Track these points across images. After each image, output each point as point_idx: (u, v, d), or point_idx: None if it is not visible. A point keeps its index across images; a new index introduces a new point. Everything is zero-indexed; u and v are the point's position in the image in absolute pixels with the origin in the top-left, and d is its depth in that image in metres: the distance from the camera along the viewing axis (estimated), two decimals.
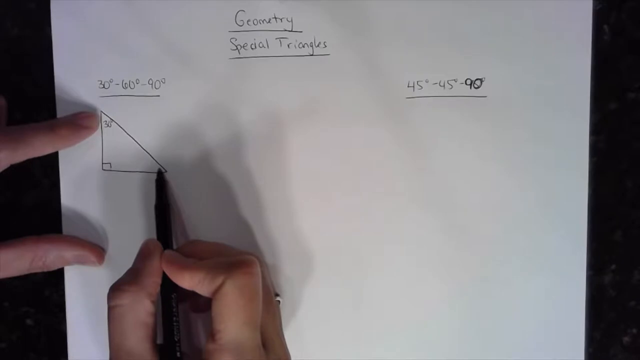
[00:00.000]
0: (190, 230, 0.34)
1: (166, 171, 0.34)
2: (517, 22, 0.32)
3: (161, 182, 0.33)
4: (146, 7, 0.33)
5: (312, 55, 0.33)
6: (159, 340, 0.30)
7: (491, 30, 0.32)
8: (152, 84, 0.34)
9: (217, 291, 0.28)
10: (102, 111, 0.34)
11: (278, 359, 0.29)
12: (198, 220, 0.34)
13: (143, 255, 0.30)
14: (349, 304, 0.34)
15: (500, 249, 0.33)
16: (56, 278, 0.35)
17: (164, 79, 0.34)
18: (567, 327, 0.33)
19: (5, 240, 0.33)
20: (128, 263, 0.30)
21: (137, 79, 0.34)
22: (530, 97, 0.32)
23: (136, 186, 0.34)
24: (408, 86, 0.32)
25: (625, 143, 0.33)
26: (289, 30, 0.33)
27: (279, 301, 0.33)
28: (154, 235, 0.32)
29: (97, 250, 0.34)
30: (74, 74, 0.34)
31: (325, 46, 0.33)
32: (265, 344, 0.29)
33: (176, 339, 0.30)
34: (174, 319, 0.30)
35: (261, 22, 0.33)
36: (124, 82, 0.34)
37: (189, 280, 0.29)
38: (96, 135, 0.34)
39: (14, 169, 0.32)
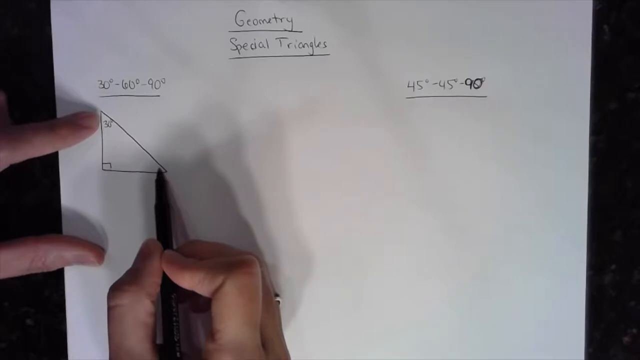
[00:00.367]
0: (190, 230, 0.34)
1: (166, 171, 0.34)
2: (517, 22, 0.32)
3: (161, 182, 0.33)
4: (146, 7, 0.33)
5: (312, 55, 0.33)
6: (159, 340, 0.30)
7: (491, 30, 0.32)
8: (152, 84, 0.34)
9: (216, 291, 0.28)
10: (102, 111, 0.34)
11: (277, 359, 0.29)
12: (198, 220, 0.34)
13: (143, 255, 0.30)
14: (349, 304, 0.34)
15: (500, 249, 0.33)
16: (56, 278, 0.35)
17: (164, 79, 0.34)
18: (567, 327, 0.33)
19: (5, 240, 0.33)
20: (128, 263, 0.30)
21: (137, 79, 0.34)
22: (530, 97, 0.32)
23: (136, 186, 0.34)
24: (408, 86, 0.32)
25: (625, 143, 0.33)
26: (289, 30, 0.33)
27: (278, 301, 0.33)
28: (154, 235, 0.32)
29: (96, 250, 0.34)
30: (74, 74, 0.34)
31: (325, 46, 0.33)
32: (264, 344, 0.29)
33: (176, 339, 0.30)
34: (174, 319, 0.30)
35: (261, 22, 0.33)
36: (124, 82, 0.34)
37: (189, 281, 0.29)
38: (96, 135, 0.34)
39: (14, 168, 0.32)
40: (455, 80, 0.32)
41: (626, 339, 0.33)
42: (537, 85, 0.32)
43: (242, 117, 0.33)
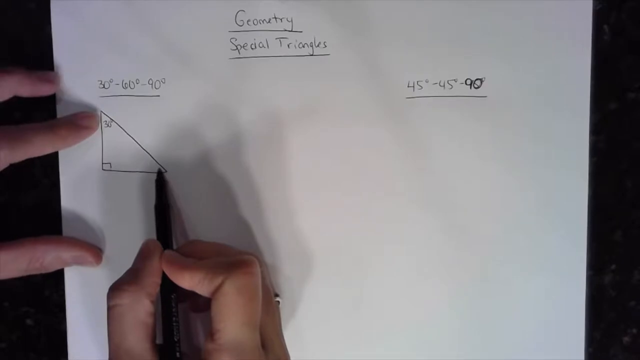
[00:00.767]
0: (190, 230, 0.34)
1: (166, 171, 0.34)
2: (517, 22, 0.32)
3: (161, 182, 0.33)
4: (146, 7, 0.33)
5: (312, 55, 0.33)
6: (159, 340, 0.30)
7: (491, 30, 0.32)
8: (152, 84, 0.34)
9: (216, 291, 0.28)
10: (102, 111, 0.34)
11: (277, 359, 0.29)
12: (198, 220, 0.34)
13: (143, 255, 0.30)
14: (349, 304, 0.34)
15: (500, 249, 0.33)
16: (56, 278, 0.35)
17: (164, 79, 0.34)
18: (567, 327, 0.33)
19: (4, 240, 0.33)
20: (128, 263, 0.30)
21: (137, 79, 0.34)
22: (530, 97, 0.32)
23: (136, 186, 0.34)
24: (408, 86, 0.32)
25: (625, 143, 0.33)
26: (289, 30, 0.33)
27: (278, 301, 0.33)
28: (154, 235, 0.32)
29: (94, 250, 0.34)
30: (74, 74, 0.34)
31: (325, 46, 0.33)
32: (264, 344, 0.29)
33: (176, 339, 0.30)
34: (174, 319, 0.30)
35: (261, 22, 0.33)
36: (124, 82, 0.34)
37: (188, 280, 0.29)
38: (96, 135, 0.34)
39: (14, 168, 0.32)
40: (455, 80, 0.32)
41: (626, 339, 0.33)
42: (537, 85, 0.32)
43: (242, 117, 0.33)
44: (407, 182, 0.33)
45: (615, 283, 0.33)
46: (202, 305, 0.32)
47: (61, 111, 0.34)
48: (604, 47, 0.32)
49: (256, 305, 0.28)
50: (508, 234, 0.33)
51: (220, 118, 0.33)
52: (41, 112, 0.35)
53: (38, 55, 0.34)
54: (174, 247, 0.33)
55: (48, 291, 0.36)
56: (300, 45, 0.33)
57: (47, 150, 0.33)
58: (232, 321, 0.27)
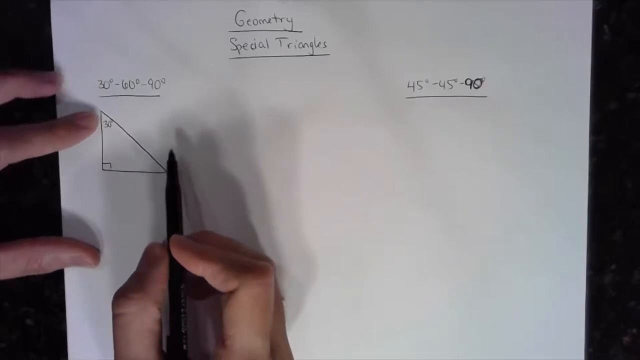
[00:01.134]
0: (190, 231, 0.34)
1: (166, 171, 0.34)
2: (517, 22, 0.32)
3: (172, 164, 0.32)
4: (146, 7, 0.33)
5: (312, 55, 0.33)
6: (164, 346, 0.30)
7: (491, 30, 0.32)
8: (152, 84, 0.34)
9: (230, 296, 0.27)
10: (102, 111, 0.34)
11: None
12: (197, 220, 0.34)
13: (148, 261, 0.29)
14: (349, 304, 0.34)
15: (500, 249, 0.33)
16: (56, 278, 0.35)
17: (164, 79, 0.34)
18: (567, 327, 0.33)
19: (4, 240, 0.33)
20: (128, 263, 0.30)
21: (137, 79, 0.34)
22: (530, 97, 0.32)
23: (136, 186, 0.34)
24: (408, 86, 0.32)
25: (625, 143, 0.33)
26: (289, 30, 0.33)
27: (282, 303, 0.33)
28: (156, 235, 0.32)
29: (92, 251, 0.34)
30: (74, 74, 0.34)
31: (325, 46, 0.33)
32: (272, 349, 0.28)
33: (183, 331, 0.29)
34: (182, 310, 0.29)
35: (261, 22, 0.33)
36: (124, 82, 0.34)
37: (202, 270, 0.28)
38: (96, 135, 0.34)
39: (13, 169, 0.32)
40: (455, 80, 0.32)
41: (626, 339, 0.33)
42: (537, 85, 0.32)
43: (242, 117, 0.33)
44: (407, 182, 0.33)
45: (615, 283, 0.33)
46: (204, 293, 0.31)
47: (61, 111, 0.34)
48: (604, 47, 0.32)
49: (270, 314, 0.28)
50: (508, 234, 0.33)
51: (220, 118, 0.33)
52: (41, 112, 0.35)
53: (38, 56, 0.34)
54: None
55: (48, 291, 0.36)
56: (300, 45, 0.33)
57: (46, 150, 0.33)
58: (245, 329, 0.27)
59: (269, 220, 0.34)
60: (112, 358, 0.28)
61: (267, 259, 0.30)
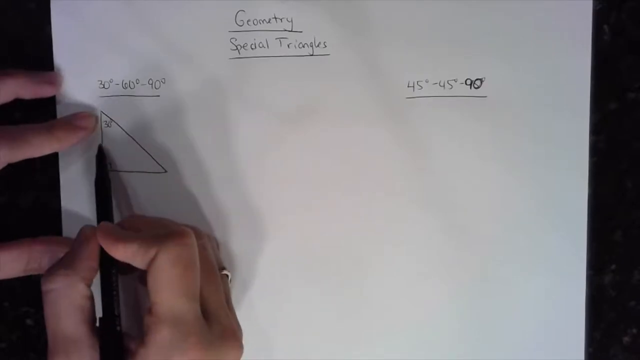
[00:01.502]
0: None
1: (166, 171, 0.34)
2: (517, 22, 0.32)
3: (101, 156, 0.33)
4: (146, 7, 0.33)
5: (312, 55, 0.33)
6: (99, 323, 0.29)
7: (491, 30, 0.32)
8: (152, 84, 0.34)
9: (150, 263, 0.27)
10: (102, 111, 0.34)
11: (223, 329, 0.28)
12: (196, 220, 0.34)
13: (78, 240, 0.30)
14: (349, 304, 0.34)
15: (500, 249, 0.33)
16: None
17: (164, 79, 0.34)
18: (567, 327, 0.33)
19: (4, 240, 0.33)
20: None
21: (137, 79, 0.34)
22: (530, 97, 0.32)
23: (136, 186, 0.34)
24: (408, 86, 0.32)
25: (625, 143, 0.33)
26: (289, 30, 0.33)
27: (227, 275, 0.33)
28: None
29: None
30: (74, 74, 0.34)
31: (325, 46, 0.33)
32: (207, 316, 0.28)
33: (117, 313, 0.29)
34: (114, 293, 0.29)
35: (261, 22, 0.33)
36: (124, 82, 0.34)
37: (122, 252, 0.28)
38: (96, 135, 0.34)
39: (13, 169, 0.32)
40: (455, 80, 0.32)
41: (626, 339, 0.33)
42: (537, 85, 0.32)
43: (242, 117, 0.33)
44: (407, 182, 0.33)
45: (615, 283, 0.33)
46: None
47: (61, 111, 0.34)
48: (604, 47, 0.32)
49: (192, 276, 0.28)
50: (508, 234, 0.33)
51: (220, 118, 0.33)
52: (41, 112, 0.34)
53: (38, 56, 0.34)
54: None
55: None
56: (300, 45, 0.33)
57: (45, 151, 0.33)
58: (168, 293, 0.27)
59: (269, 220, 0.34)
60: None
61: (191, 226, 0.30)
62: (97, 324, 0.29)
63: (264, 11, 0.33)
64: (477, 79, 0.32)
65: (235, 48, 0.33)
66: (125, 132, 0.34)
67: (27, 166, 0.34)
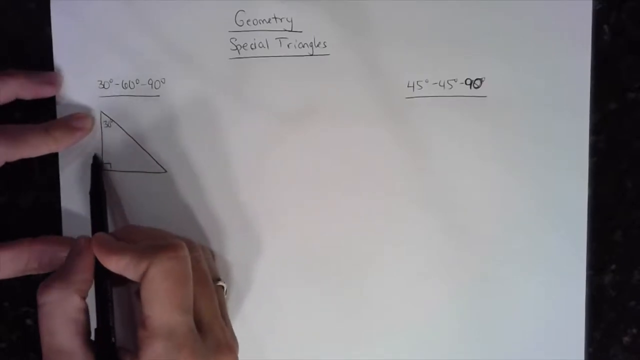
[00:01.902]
0: (188, 229, 0.34)
1: (166, 171, 0.34)
2: (517, 22, 0.32)
3: (97, 167, 0.33)
4: (146, 7, 0.33)
5: (312, 55, 0.33)
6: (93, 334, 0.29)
7: (491, 30, 0.32)
8: (152, 84, 0.34)
9: (143, 276, 0.27)
10: (102, 111, 0.34)
11: (217, 342, 0.28)
12: (195, 220, 0.34)
13: (73, 252, 0.30)
14: (349, 304, 0.34)
15: (500, 249, 0.33)
16: None
17: (164, 79, 0.34)
18: (567, 327, 0.33)
19: (3, 240, 0.33)
20: None
21: (137, 79, 0.34)
22: (530, 97, 0.32)
23: (136, 186, 0.34)
24: (408, 86, 0.32)
25: (625, 143, 0.33)
26: (289, 30, 0.33)
27: (222, 286, 0.33)
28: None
29: None
30: (74, 74, 0.34)
31: (325, 46, 0.33)
32: (201, 328, 0.28)
33: (111, 324, 0.29)
34: (109, 304, 0.29)
35: (261, 22, 0.33)
36: (124, 82, 0.34)
37: (115, 264, 0.28)
38: (96, 135, 0.34)
39: (13, 169, 0.32)
40: (455, 80, 0.32)
41: (626, 339, 0.33)
42: (537, 85, 0.32)
43: (242, 117, 0.33)
44: (407, 182, 0.33)
45: (615, 283, 0.33)
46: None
47: (61, 111, 0.34)
48: (604, 47, 0.32)
49: (185, 288, 0.28)
50: (508, 234, 0.33)
51: (220, 118, 0.33)
52: (41, 112, 0.35)
53: (38, 56, 0.34)
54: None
55: None
56: (300, 45, 0.33)
57: (42, 151, 0.33)
58: (160, 306, 0.27)
59: (269, 220, 0.34)
60: None
61: (184, 238, 0.30)
62: (92, 336, 0.29)
63: (264, 11, 0.33)
64: (477, 79, 0.32)
65: (235, 48, 0.33)
66: (125, 132, 0.34)
67: (26, 166, 0.34)
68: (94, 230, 0.32)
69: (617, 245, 0.33)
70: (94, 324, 0.29)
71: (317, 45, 0.33)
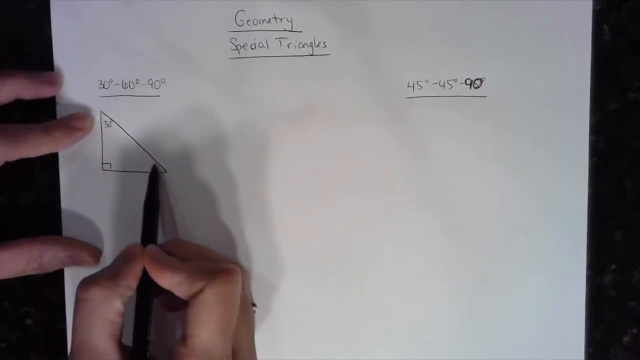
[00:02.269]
0: (188, 230, 0.34)
1: (166, 171, 0.34)
2: (517, 22, 0.32)
3: (154, 177, 0.33)
4: (146, 7, 0.33)
5: (312, 55, 0.33)
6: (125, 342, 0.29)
7: (491, 30, 0.32)
8: (152, 84, 0.34)
9: (195, 296, 0.27)
10: (102, 111, 0.34)
11: None
12: (196, 220, 0.34)
13: (125, 257, 0.29)
14: (349, 304, 0.34)
15: (500, 249, 0.33)
16: (56, 278, 0.35)
17: (164, 79, 0.34)
18: (567, 327, 0.33)
19: (3, 239, 0.33)
20: None
21: (137, 79, 0.34)
22: (530, 97, 0.32)
23: (136, 186, 0.34)
24: (408, 86, 0.32)
25: (625, 143, 0.33)
26: (289, 30, 0.33)
27: (254, 311, 0.33)
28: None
29: (92, 250, 0.34)
30: (74, 74, 0.34)
31: (325, 46, 0.33)
32: (234, 353, 0.29)
33: (149, 338, 0.29)
34: (149, 318, 0.29)
35: (261, 22, 0.33)
36: (124, 82, 0.34)
37: (168, 280, 0.28)
38: (96, 135, 0.34)
39: (13, 169, 0.32)
40: (455, 80, 0.32)
41: (626, 339, 0.33)
42: (537, 85, 0.32)
43: (242, 117, 0.33)
44: (407, 182, 0.33)
45: (615, 283, 0.33)
46: (177, 305, 0.31)
47: (61, 111, 0.34)
48: (604, 47, 0.32)
49: (233, 315, 0.28)
50: (508, 234, 0.33)
51: (220, 118, 0.33)
52: (41, 112, 0.35)
53: (38, 56, 0.34)
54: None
55: (48, 291, 0.36)
56: (300, 45, 0.33)
57: (42, 151, 0.33)
58: (206, 328, 0.27)
59: (269, 220, 0.34)
60: None
61: (234, 262, 0.30)
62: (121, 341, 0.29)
63: (264, 11, 0.33)
64: (477, 79, 0.32)
65: (235, 48, 0.33)
66: (125, 132, 0.34)
67: (26, 166, 0.34)
68: (143, 240, 0.31)
69: (617, 245, 0.33)
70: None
71: (317, 45, 0.33)
